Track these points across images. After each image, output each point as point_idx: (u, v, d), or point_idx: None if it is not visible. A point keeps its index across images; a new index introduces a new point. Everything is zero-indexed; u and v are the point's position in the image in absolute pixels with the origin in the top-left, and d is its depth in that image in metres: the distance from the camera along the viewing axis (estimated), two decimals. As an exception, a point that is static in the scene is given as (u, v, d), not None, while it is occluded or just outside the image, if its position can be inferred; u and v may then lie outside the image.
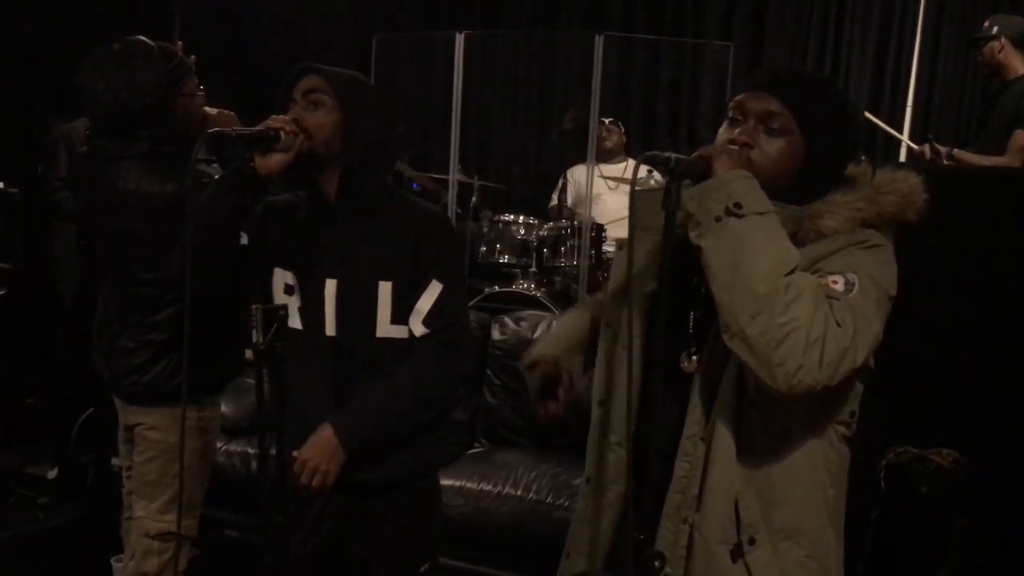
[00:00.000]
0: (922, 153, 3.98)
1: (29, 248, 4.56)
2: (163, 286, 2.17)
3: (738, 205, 1.29)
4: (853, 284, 1.31)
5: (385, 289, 1.82)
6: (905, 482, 2.60)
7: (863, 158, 1.49)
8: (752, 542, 1.39)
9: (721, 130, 1.46)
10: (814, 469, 1.42)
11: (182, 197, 2.07)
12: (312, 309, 1.84)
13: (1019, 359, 2.78)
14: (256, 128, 1.66)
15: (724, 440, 1.39)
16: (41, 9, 4.93)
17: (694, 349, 1.44)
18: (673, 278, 1.39)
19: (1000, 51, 4.07)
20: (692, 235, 1.32)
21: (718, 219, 1.30)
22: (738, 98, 1.44)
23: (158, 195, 2.10)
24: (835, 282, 1.31)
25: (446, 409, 2.05)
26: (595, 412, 1.58)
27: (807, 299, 1.25)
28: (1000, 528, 2.64)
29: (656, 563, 1.38)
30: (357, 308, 1.83)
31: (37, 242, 4.58)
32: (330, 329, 1.83)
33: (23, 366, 4.34)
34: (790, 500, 1.41)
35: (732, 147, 1.37)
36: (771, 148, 1.40)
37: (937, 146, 3.94)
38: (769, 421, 1.38)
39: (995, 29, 4.10)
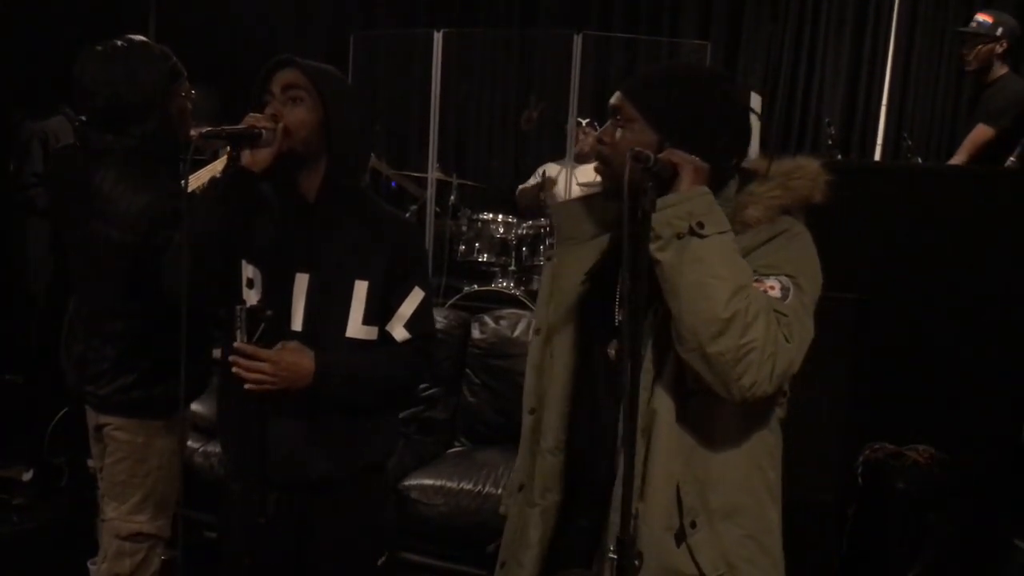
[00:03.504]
0: None
1: (0, 246, 4.49)
2: (124, 292, 2.11)
3: (700, 224, 1.32)
4: (788, 290, 1.37)
5: (361, 288, 1.82)
6: (882, 478, 2.63)
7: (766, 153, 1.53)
8: (693, 525, 1.43)
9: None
10: (752, 452, 1.47)
11: (152, 209, 2.04)
12: (277, 303, 1.81)
13: (995, 357, 2.82)
14: (241, 126, 1.67)
15: (664, 429, 1.42)
16: (12, 8, 4.86)
17: (616, 342, 1.49)
18: (599, 277, 1.48)
19: (998, 52, 3.91)
20: (652, 247, 1.34)
21: (680, 236, 1.32)
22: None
23: (127, 204, 2.05)
24: (772, 288, 1.37)
25: (400, 404, 2.13)
26: (526, 420, 1.60)
27: (762, 319, 1.31)
28: (972, 523, 2.67)
29: (636, 563, 1.39)
30: (330, 304, 1.82)
31: (9, 240, 4.51)
32: (296, 324, 1.81)
33: (-5, 366, 4.28)
34: (726, 482, 1.45)
35: (696, 160, 1.38)
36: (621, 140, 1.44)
37: None
38: (709, 409, 1.43)
39: (999, 30, 3.91)
